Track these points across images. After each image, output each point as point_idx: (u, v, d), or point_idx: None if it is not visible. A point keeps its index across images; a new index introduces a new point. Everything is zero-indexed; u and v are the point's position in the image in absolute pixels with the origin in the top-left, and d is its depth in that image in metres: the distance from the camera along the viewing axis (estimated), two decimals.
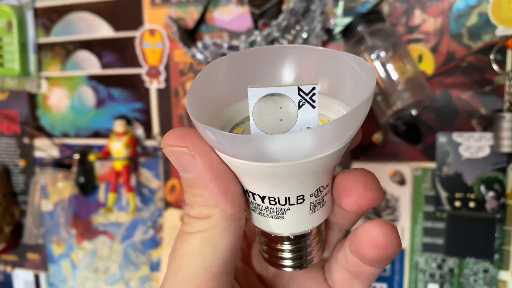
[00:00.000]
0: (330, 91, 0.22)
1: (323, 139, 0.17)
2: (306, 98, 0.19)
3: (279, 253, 0.23)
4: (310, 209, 0.21)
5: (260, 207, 0.21)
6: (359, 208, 0.21)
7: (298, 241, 0.22)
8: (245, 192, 0.21)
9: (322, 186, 0.20)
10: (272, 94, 0.19)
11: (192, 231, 0.20)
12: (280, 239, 0.22)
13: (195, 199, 0.20)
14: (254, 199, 0.21)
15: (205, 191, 0.19)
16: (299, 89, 0.18)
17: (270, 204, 0.20)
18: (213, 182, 0.19)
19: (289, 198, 0.20)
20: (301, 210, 0.21)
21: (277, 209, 0.20)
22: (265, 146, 0.17)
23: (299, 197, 0.20)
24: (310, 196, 0.20)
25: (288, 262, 0.23)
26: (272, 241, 0.23)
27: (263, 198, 0.20)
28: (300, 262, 0.23)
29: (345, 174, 0.21)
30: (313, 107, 0.19)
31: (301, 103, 0.19)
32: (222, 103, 0.22)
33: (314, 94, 0.19)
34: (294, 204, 0.20)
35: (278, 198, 0.20)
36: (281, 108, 0.19)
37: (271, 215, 0.21)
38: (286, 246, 0.22)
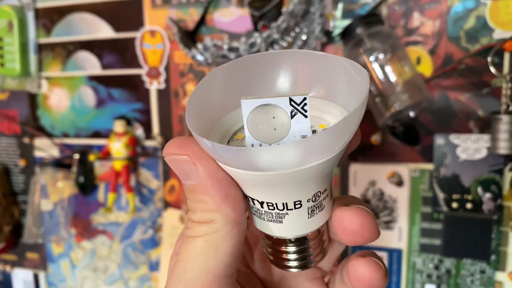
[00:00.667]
0: (328, 95, 0.22)
1: (313, 148, 0.18)
2: (298, 108, 0.19)
3: (283, 254, 0.23)
4: (308, 214, 0.21)
5: (260, 212, 0.21)
6: (355, 244, 0.22)
7: (300, 243, 0.23)
8: (245, 197, 0.21)
9: (320, 191, 0.21)
10: (265, 105, 0.19)
11: (195, 235, 0.21)
12: (283, 242, 0.23)
13: (197, 204, 0.20)
14: (254, 204, 0.21)
15: (206, 197, 0.20)
16: (291, 99, 0.19)
17: (268, 209, 0.21)
18: (214, 187, 0.20)
19: (286, 203, 0.20)
20: (299, 215, 0.21)
21: (276, 213, 0.21)
22: (256, 157, 0.17)
23: (296, 203, 0.20)
24: (308, 201, 0.21)
25: (292, 263, 0.23)
26: (275, 244, 0.23)
27: (261, 203, 0.21)
28: (304, 262, 0.23)
29: (343, 211, 0.22)
30: (305, 116, 0.19)
31: (293, 113, 0.19)
32: (223, 110, 0.22)
33: (305, 104, 0.19)
34: (292, 209, 0.21)
35: (276, 203, 0.20)
36: (274, 118, 0.20)
37: (270, 219, 0.21)
38: (289, 248, 0.23)
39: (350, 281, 0.23)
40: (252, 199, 0.21)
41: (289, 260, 0.23)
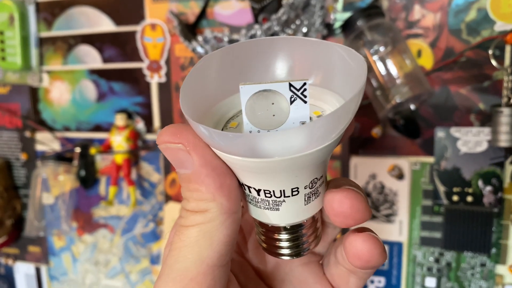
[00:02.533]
0: (323, 82, 0.22)
1: (313, 134, 0.17)
2: (298, 93, 0.19)
3: (277, 242, 0.23)
4: (305, 200, 0.21)
5: (256, 200, 0.21)
6: (347, 225, 0.22)
7: (295, 230, 0.23)
8: (241, 185, 0.21)
9: (316, 178, 0.21)
10: (264, 91, 0.19)
11: (189, 224, 0.20)
12: (277, 229, 0.23)
13: (191, 194, 0.20)
14: (250, 192, 0.21)
15: (201, 186, 0.20)
16: (290, 85, 0.19)
17: (265, 196, 0.21)
18: (209, 177, 0.19)
19: (284, 190, 0.20)
20: (296, 202, 0.21)
21: (273, 201, 0.21)
22: (257, 143, 0.17)
23: (293, 190, 0.20)
24: (305, 188, 0.21)
25: (285, 251, 0.23)
26: (269, 231, 0.23)
27: (258, 191, 0.21)
28: (298, 250, 0.23)
29: (334, 193, 0.21)
30: (305, 102, 0.19)
31: (292, 99, 0.19)
32: (215, 98, 0.22)
33: (305, 89, 0.19)
34: (289, 196, 0.21)
35: (273, 191, 0.20)
36: (273, 104, 0.19)
37: (267, 207, 0.21)
38: (283, 236, 0.23)
39: (348, 258, 0.22)
40: (248, 187, 0.21)
41: (282, 247, 0.23)
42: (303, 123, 0.20)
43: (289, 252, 0.23)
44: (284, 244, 0.23)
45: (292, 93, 0.19)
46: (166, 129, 0.20)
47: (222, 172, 0.20)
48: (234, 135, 0.17)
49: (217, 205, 0.20)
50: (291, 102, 0.19)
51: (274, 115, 0.20)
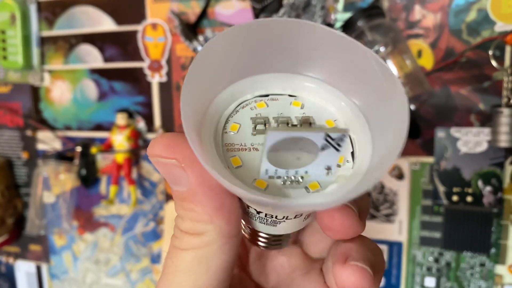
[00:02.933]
0: (340, 83, 0.20)
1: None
2: (333, 143, 0.17)
3: (261, 238, 0.23)
4: (304, 218, 0.21)
5: (254, 215, 0.20)
6: (340, 238, 0.21)
7: (281, 236, 0.23)
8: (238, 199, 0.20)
9: None
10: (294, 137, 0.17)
11: (184, 248, 0.18)
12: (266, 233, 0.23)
13: (186, 213, 0.18)
14: (248, 208, 0.20)
15: (197, 206, 0.17)
16: (327, 135, 0.17)
17: (266, 216, 0.20)
18: (207, 197, 0.17)
19: (287, 216, 0.20)
20: (296, 222, 0.21)
21: (272, 221, 0.20)
22: (285, 204, 0.16)
23: (297, 214, 0.20)
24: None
25: (268, 246, 0.23)
26: (256, 230, 0.23)
27: (259, 212, 0.20)
28: (281, 246, 0.23)
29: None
30: (338, 150, 0.17)
31: (325, 147, 0.17)
32: (214, 91, 0.20)
33: (342, 140, 0.17)
34: (290, 219, 0.20)
35: (276, 216, 0.20)
36: (301, 149, 0.18)
37: (264, 223, 0.20)
38: (269, 237, 0.23)
39: (337, 285, 0.21)
40: (249, 206, 0.20)
41: (265, 243, 0.23)
42: (328, 168, 0.18)
43: (272, 247, 0.23)
44: (269, 241, 0.23)
45: (326, 142, 0.17)
46: (159, 141, 0.17)
47: (222, 192, 0.17)
48: (269, 201, 0.16)
49: (215, 228, 0.17)
50: (322, 149, 0.17)
51: (298, 158, 0.18)
